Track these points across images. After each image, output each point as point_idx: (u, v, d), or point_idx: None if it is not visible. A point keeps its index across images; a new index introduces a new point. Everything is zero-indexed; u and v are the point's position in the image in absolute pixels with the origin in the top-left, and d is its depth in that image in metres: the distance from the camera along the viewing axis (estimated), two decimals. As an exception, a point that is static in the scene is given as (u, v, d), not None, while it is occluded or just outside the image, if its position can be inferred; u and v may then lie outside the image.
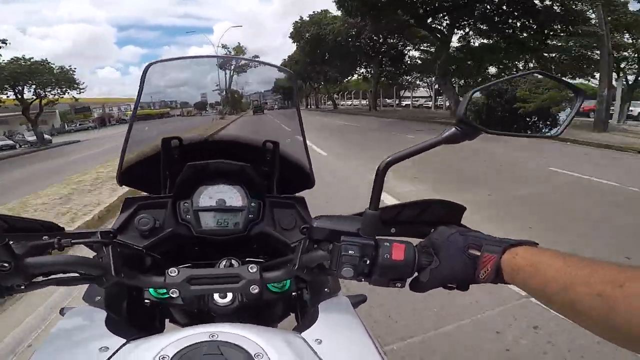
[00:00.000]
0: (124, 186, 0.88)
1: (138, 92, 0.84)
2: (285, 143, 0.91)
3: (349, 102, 53.70)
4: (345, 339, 0.61)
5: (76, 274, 0.58)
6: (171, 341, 0.50)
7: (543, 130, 0.57)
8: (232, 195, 0.85)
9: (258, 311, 0.76)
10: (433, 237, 0.58)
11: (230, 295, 0.68)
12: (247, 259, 0.79)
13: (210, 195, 0.84)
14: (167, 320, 0.84)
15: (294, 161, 0.93)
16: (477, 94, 0.55)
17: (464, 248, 0.54)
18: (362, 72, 38.30)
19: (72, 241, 0.60)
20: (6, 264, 0.49)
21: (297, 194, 0.91)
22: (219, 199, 0.84)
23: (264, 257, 0.84)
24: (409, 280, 0.59)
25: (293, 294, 0.78)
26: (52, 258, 0.56)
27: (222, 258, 0.76)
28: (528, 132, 0.58)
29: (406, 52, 32.92)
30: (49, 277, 0.56)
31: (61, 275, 0.57)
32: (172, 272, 0.61)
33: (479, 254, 0.52)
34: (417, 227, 0.69)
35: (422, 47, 30.65)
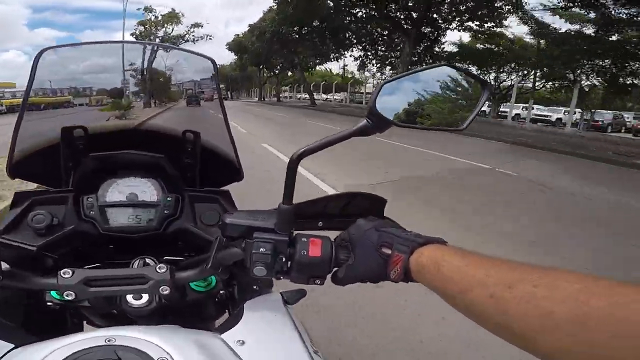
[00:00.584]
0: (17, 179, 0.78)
1: (29, 80, 0.74)
2: (209, 133, 0.86)
3: (300, 96, 46.56)
4: (271, 339, 0.59)
5: None
6: (61, 346, 0.45)
7: (449, 125, 0.59)
8: (146, 189, 0.79)
9: (184, 312, 0.72)
10: (350, 231, 0.57)
11: (145, 297, 0.64)
12: (166, 258, 0.74)
13: (119, 190, 0.77)
14: (85, 322, 0.77)
15: (219, 152, 0.88)
16: (387, 85, 0.56)
17: (376, 246, 0.53)
18: (357, 55, 29.44)
19: None
20: None
21: (223, 188, 0.87)
22: (130, 194, 0.77)
23: (188, 254, 0.80)
24: (328, 276, 0.58)
25: (221, 292, 0.75)
26: None
27: (136, 257, 0.71)
28: (436, 126, 0.59)
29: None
30: None
31: None
32: (66, 273, 0.55)
33: (390, 252, 0.52)
34: (342, 221, 0.67)
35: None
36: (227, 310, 0.81)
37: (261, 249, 0.54)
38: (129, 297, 0.64)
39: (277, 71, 43.17)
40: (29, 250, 0.66)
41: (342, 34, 27.97)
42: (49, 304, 0.67)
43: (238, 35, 37.37)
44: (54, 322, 0.71)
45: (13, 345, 0.50)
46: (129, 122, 0.87)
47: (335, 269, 0.57)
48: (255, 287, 0.72)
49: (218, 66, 0.90)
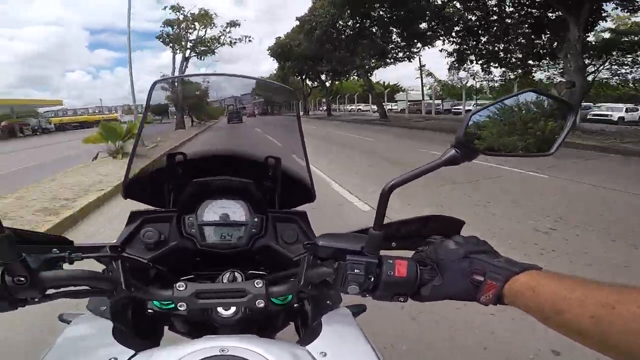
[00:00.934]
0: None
1: (145, 108, 0.87)
2: (287, 158, 0.93)
3: (351, 107, 44.44)
4: (349, 352, 0.63)
5: (87, 287, 0.60)
6: (182, 355, 0.51)
7: (538, 150, 0.59)
8: (236, 210, 0.86)
9: (260, 322, 0.78)
10: (439, 254, 0.59)
11: (233, 308, 0.70)
12: (250, 272, 0.81)
13: (214, 210, 0.86)
14: (165, 328, 0.85)
15: (295, 176, 0.95)
16: (475, 115, 0.57)
17: (468, 272, 0.56)
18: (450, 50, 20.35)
19: (82, 255, 0.62)
20: (22, 278, 0.51)
21: (298, 208, 0.94)
22: (223, 214, 0.86)
23: (265, 269, 0.86)
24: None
25: (295, 305, 0.80)
26: (65, 272, 0.57)
27: (225, 270, 0.78)
28: (525, 152, 0.60)
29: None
30: (61, 290, 0.58)
31: (72, 288, 0.59)
32: (180, 286, 0.63)
33: (482, 279, 0.54)
34: (416, 241, 0.71)
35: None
36: (290, 322, 0.87)
37: (355, 270, 0.58)
38: (220, 308, 0.70)
39: (324, 78, 38.91)
40: (142, 263, 0.75)
41: (423, 22, 20.63)
42: (149, 311, 0.75)
43: (280, 37, 33.67)
44: (146, 328, 0.79)
45: (133, 352, 0.57)
46: (219, 149, 0.96)
47: (418, 286, 0.60)
48: (328, 302, 0.77)
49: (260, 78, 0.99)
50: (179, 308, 0.63)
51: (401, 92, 42.07)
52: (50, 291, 0.56)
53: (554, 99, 0.59)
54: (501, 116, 0.59)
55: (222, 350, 0.52)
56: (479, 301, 0.55)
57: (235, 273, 0.78)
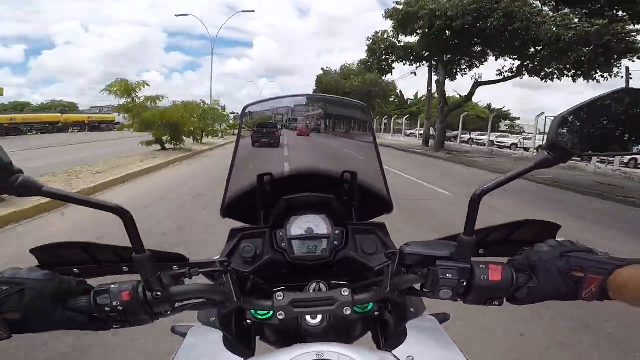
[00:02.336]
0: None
1: (238, 132, 0.96)
2: (364, 172, 0.97)
3: (411, 131, 36.58)
4: (437, 356, 0.64)
5: (204, 300, 0.67)
6: (290, 358, 0.55)
7: (637, 146, 0.56)
8: (319, 224, 0.92)
9: (341, 330, 0.80)
10: (531, 257, 0.59)
11: (319, 317, 0.73)
12: (333, 282, 0.85)
13: (300, 225, 0.92)
14: (257, 338, 0.90)
15: (372, 188, 0.99)
16: (566, 116, 0.57)
17: (566, 270, 0.55)
18: None
19: (199, 270, 0.69)
20: (159, 293, 0.59)
21: (377, 220, 0.97)
22: (308, 228, 0.91)
23: (345, 279, 0.90)
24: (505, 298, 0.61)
25: (376, 313, 0.82)
26: (190, 287, 0.64)
27: (311, 281, 0.82)
28: (620, 149, 0.57)
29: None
30: (184, 303, 0.65)
31: (193, 301, 0.66)
32: (279, 296, 0.68)
33: (582, 275, 0.54)
34: (506, 247, 0.71)
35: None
36: (368, 330, 0.88)
37: (447, 275, 0.59)
38: (308, 317, 0.73)
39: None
40: (244, 275, 0.82)
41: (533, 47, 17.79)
42: (248, 321, 0.81)
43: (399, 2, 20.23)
44: (243, 337, 0.84)
45: (242, 359, 0.62)
46: (300, 168, 1.03)
47: (514, 290, 0.60)
48: (412, 309, 0.78)
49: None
50: (278, 317, 0.68)
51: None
52: (177, 304, 0.63)
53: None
54: (595, 116, 0.57)
55: (319, 355, 0.55)
56: (582, 297, 0.55)
57: (321, 284, 0.82)
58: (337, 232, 0.90)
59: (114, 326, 0.61)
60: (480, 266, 0.59)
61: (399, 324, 0.76)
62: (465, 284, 0.59)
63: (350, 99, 1.12)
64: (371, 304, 0.80)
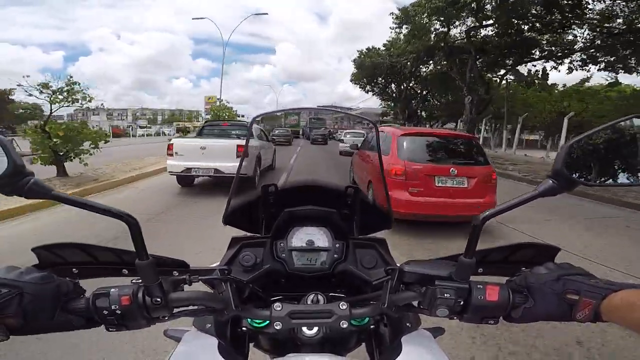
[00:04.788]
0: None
1: (245, 142, 0.96)
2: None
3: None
4: None
5: (202, 306, 0.67)
6: None
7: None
8: (320, 237, 0.92)
9: (336, 341, 0.80)
10: (529, 279, 0.61)
11: (316, 328, 0.73)
12: (331, 294, 0.85)
13: (300, 237, 0.92)
14: (251, 345, 0.89)
15: (373, 204, 0.99)
16: (575, 144, 0.56)
17: (561, 293, 0.57)
18: None
19: (199, 277, 0.69)
20: (159, 299, 0.59)
21: (377, 235, 0.97)
22: (309, 240, 0.91)
23: (343, 291, 0.91)
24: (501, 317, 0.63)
25: (371, 327, 0.82)
26: (189, 294, 0.64)
27: (309, 292, 0.82)
28: (629, 181, 0.56)
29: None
30: (182, 309, 0.65)
31: (191, 307, 0.66)
32: (277, 307, 0.68)
33: (577, 298, 0.56)
34: (505, 267, 0.73)
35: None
36: (362, 343, 0.88)
37: (445, 295, 0.60)
38: (304, 328, 0.73)
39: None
40: (242, 284, 0.81)
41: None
42: (243, 328, 0.81)
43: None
44: (237, 345, 0.84)
45: None
46: (305, 180, 1.02)
47: (509, 310, 0.61)
48: (408, 324, 0.78)
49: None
50: (275, 327, 0.68)
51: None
52: (175, 310, 0.64)
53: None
54: (604, 144, 0.56)
55: None
56: (576, 319, 0.56)
57: (319, 295, 0.81)
58: (337, 245, 0.90)
59: (110, 329, 0.62)
60: (478, 286, 0.60)
61: (394, 338, 0.76)
62: (462, 303, 0.60)
63: (359, 115, 1.12)
64: (367, 318, 0.79)
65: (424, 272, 0.63)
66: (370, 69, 28.54)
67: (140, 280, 0.60)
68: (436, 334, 0.80)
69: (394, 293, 0.67)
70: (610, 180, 0.57)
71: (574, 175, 0.54)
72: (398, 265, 0.69)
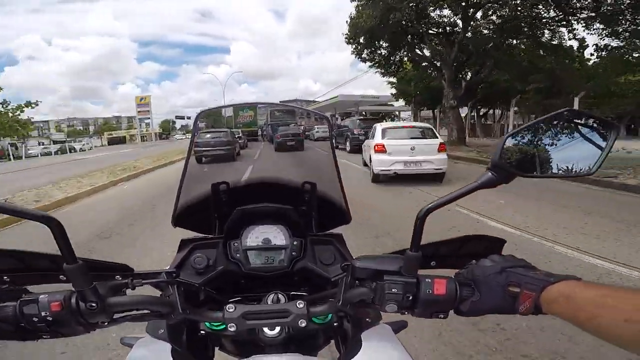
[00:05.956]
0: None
1: (191, 136, 0.92)
2: (323, 183, 0.96)
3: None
4: None
5: (147, 311, 0.64)
6: None
7: (578, 170, 0.58)
8: (276, 235, 0.90)
9: (302, 340, 0.80)
10: (475, 271, 0.62)
11: (277, 328, 0.73)
12: (292, 293, 0.85)
13: (256, 235, 0.90)
14: (216, 348, 0.89)
15: (330, 199, 0.98)
16: (510, 137, 0.58)
17: (504, 285, 0.58)
18: None
19: (143, 281, 0.67)
20: (94, 304, 0.57)
21: (335, 230, 0.97)
22: (265, 239, 0.90)
23: (305, 289, 0.90)
24: (451, 311, 0.63)
25: (335, 324, 0.82)
26: (130, 298, 0.62)
27: (269, 292, 0.81)
28: (563, 173, 0.59)
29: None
30: (126, 314, 0.63)
31: (135, 312, 0.64)
32: (230, 308, 0.67)
33: (518, 290, 0.56)
34: (456, 260, 0.74)
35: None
36: (333, 340, 0.89)
37: (393, 290, 0.60)
38: (265, 329, 0.73)
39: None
40: (194, 287, 0.79)
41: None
42: (201, 332, 0.78)
43: None
44: (199, 349, 0.83)
45: None
46: (259, 177, 1.00)
47: (457, 304, 0.62)
48: (367, 319, 0.78)
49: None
50: (229, 329, 0.67)
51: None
52: (116, 315, 0.61)
53: (593, 117, 0.58)
54: (538, 137, 0.59)
55: None
56: (518, 312, 0.57)
57: (279, 294, 0.81)
58: (295, 242, 0.89)
59: (44, 337, 0.59)
60: (427, 280, 0.61)
61: (355, 334, 0.77)
62: (411, 298, 0.61)
63: (313, 110, 1.10)
64: (330, 315, 0.80)
65: (374, 267, 0.63)
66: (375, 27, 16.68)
67: None
68: (398, 327, 0.81)
69: (349, 290, 0.67)
70: (545, 171, 0.59)
71: (511, 167, 0.56)
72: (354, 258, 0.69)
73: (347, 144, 17.10)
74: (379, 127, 9.56)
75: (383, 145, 8.63)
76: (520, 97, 18.55)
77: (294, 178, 0.99)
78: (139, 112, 36.20)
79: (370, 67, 21.43)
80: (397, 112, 43.13)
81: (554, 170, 0.58)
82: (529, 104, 21.65)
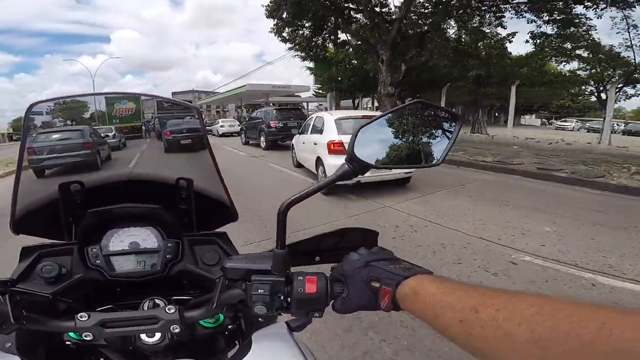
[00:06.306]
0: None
1: (23, 132, 0.78)
2: (201, 179, 0.90)
3: None
4: None
5: None
6: None
7: (425, 161, 0.60)
8: (146, 237, 0.83)
9: (197, 346, 0.76)
10: (344, 266, 0.60)
11: (158, 334, 0.68)
12: (174, 297, 0.79)
13: (121, 239, 0.82)
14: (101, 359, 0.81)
15: (212, 196, 0.92)
16: (364, 129, 0.58)
17: (366, 280, 0.56)
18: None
19: None
20: None
21: (219, 229, 0.92)
22: (132, 242, 0.82)
23: (192, 292, 0.85)
24: (326, 309, 0.61)
25: (229, 326, 0.79)
26: None
27: (145, 299, 0.75)
28: (414, 163, 0.61)
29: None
30: None
31: None
32: (82, 316, 0.61)
33: (378, 286, 0.55)
34: (337, 254, 0.72)
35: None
36: (237, 342, 0.84)
37: (260, 290, 0.58)
38: (143, 336, 0.68)
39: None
40: (44, 297, 0.71)
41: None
42: (67, 343, 0.71)
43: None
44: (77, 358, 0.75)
45: None
46: (123, 174, 0.91)
47: (332, 301, 0.60)
48: (260, 319, 0.76)
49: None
50: (85, 338, 0.61)
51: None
52: None
53: (440, 109, 0.61)
54: (392, 129, 0.60)
55: None
56: (381, 308, 0.55)
57: (156, 300, 0.75)
58: (169, 244, 0.83)
59: None
60: (299, 278, 0.60)
61: (247, 335, 0.74)
62: (282, 297, 0.59)
63: (180, 101, 1.01)
64: (221, 316, 0.76)
65: (244, 267, 0.61)
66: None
67: None
68: (299, 324, 0.75)
69: (225, 292, 0.64)
70: (398, 162, 0.60)
71: (364, 159, 0.56)
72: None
73: (262, 139, 14.60)
74: (328, 117, 7.35)
75: (341, 143, 6.41)
76: (450, 86, 17.35)
77: (167, 174, 0.91)
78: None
79: (290, 49, 19.40)
80: (304, 104, 39.15)
81: (406, 161, 0.60)
82: (458, 93, 20.68)
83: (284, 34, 17.58)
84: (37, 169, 0.93)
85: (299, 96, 40.40)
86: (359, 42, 16.98)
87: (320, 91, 31.21)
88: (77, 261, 0.79)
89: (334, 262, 0.71)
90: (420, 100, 0.60)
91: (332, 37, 18.42)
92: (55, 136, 1.02)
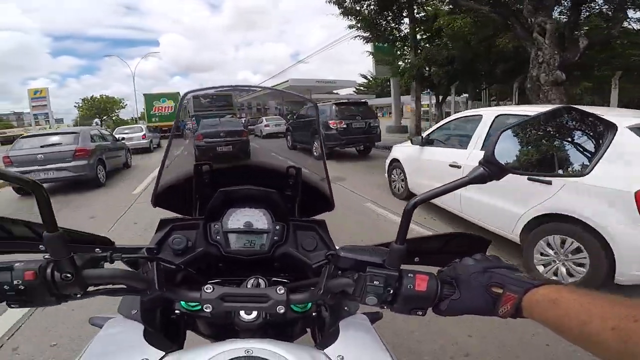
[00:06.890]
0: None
1: (176, 117, 0.90)
2: (308, 168, 0.94)
3: None
4: (366, 355, 0.64)
5: (123, 286, 0.63)
6: (210, 356, 0.53)
7: (571, 170, 0.56)
8: (259, 219, 0.88)
9: (279, 328, 0.79)
10: (457, 270, 0.60)
11: (255, 313, 0.71)
12: (273, 278, 0.83)
13: (238, 218, 0.88)
14: (187, 331, 0.87)
15: (315, 185, 0.97)
16: (506, 132, 0.56)
17: (486, 286, 0.56)
18: None
19: (123, 256, 0.66)
20: (69, 275, 0.55)
21: (317, 217, 0.95)
22: (246, 222, 0.88)
23: (286, 275, 0.89)
24: (429, 308, 0.62)
25: (313, 313, 0.81)
26: (106, 271, 0.60)
27: (250, 276, 0.79)
28: (556, 172, 0.57)
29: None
30: (100, 288, 0.61)
31: (110, 286, 0.62)
32: (208, 288, 0.65)
33: (501, 292, 0.55)
34: (440, 257, 0.72)
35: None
36: (307, 331, 0.88)
37: (375, 282, 0.59)
38: (242, 312, 0.71)
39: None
40: (173, 266, 0.77)
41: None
42: (176, 312, 0.77)
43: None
44: (171, 330, 0.82)
45: (163, 353, 0.59)
46: (243, 160, 0.97)
47: (437, 301, 0.60)
48: (346, 308, 0.78)
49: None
50: (205, 310, 0.65)
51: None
52: (90, 288, 0.60)
53: (591, 116, 0.56)
54: (533, 134, 0.56)
55: (247, 352, 0.54)
56: (498, 314, 0.55)
57: (259, 279, 0.79)
58: (277, 227, 0.87)
59: (12, 305, 0.57)
60: (409, 275, 0.60)
61: (333, 322, 0.76)
62: (391, 292, 0.59)
63: (302, 95, 1.08)
64: (310, 304, 0.79)
65: (358, 258, 0.62)
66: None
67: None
68: (374, 318, 0.80)
69: (331, 279, 0.65)
70: (538, 169, 0.57)
71: (504, 163, 0.54)
72: (337, 248, 0.68)
73: (315, 144, 6.84)
74: (487, 114, 3.93)
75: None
76: (623, 76, 10.15)
77: (278, 162, 0.97)
78: (33, 106, 31.03)
79: (351, 27, 14.48)
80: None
81: (548, 169, 0.56)
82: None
83: (346, 3, 13.22)
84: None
85: (337, 94, 36.02)
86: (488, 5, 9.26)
87: (362, 88, 26.97)
88: (201, 236, 0.86)
89: (436, 265, 0.71)
90: (570, 106, 0.56)
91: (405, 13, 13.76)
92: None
